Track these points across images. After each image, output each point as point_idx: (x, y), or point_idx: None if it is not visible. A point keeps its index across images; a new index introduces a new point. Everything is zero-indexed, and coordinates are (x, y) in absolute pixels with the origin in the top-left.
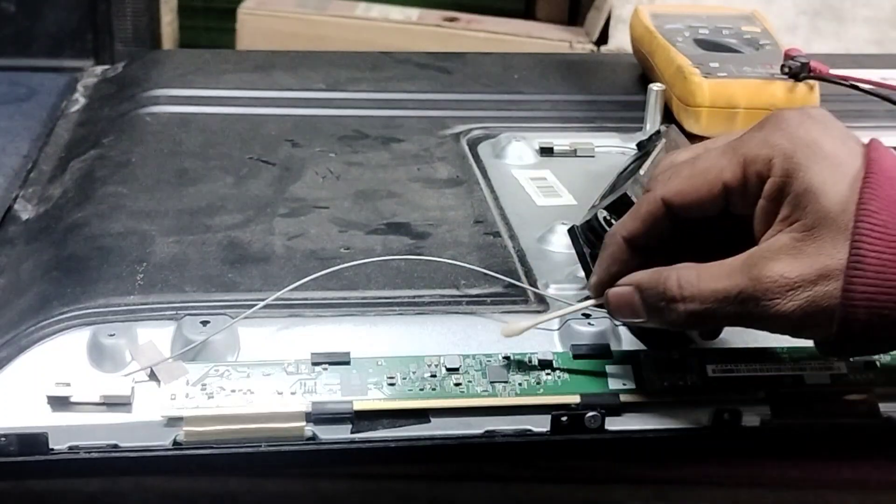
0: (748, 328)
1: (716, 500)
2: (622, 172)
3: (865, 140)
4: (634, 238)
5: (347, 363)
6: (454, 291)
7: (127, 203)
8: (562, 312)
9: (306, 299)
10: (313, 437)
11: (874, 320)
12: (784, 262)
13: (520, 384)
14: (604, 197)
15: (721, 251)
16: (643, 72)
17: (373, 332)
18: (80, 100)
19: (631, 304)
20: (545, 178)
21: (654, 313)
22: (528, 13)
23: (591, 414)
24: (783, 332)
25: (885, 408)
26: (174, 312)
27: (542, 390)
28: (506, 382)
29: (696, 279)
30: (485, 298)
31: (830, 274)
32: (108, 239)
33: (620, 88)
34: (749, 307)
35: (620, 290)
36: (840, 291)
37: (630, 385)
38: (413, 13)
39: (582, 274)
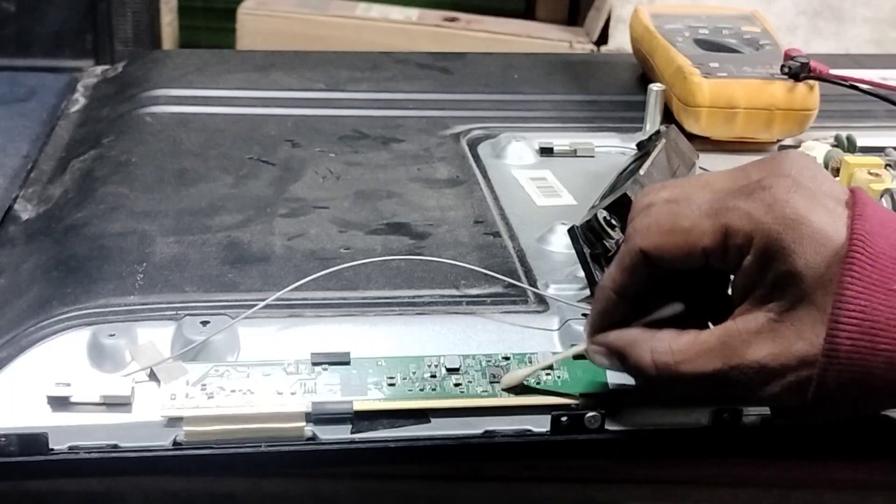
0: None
1: (716, 500)
2: (622, 172)
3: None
4: (621, 289)
5: (347, 363)
6: (454, 291)
7: (127, 203)
8: (557, 358)
9: (306, 299)
10: (313, 437)
11: (846, 399)
12: (764, 346)
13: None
14: (604, 197)
15: (708, 294)
16: (643, 72)
17: (373, 332)
18: (80, 100)
19: (610, 363)
20: (545, 178)
21: (634, 378)
22: (528, 13)
23: (591, 414)
24: (757, 406)
25: None
26: (174, 312)
27: (542, 390)
28: (528, 386)
29: (671, 361)
30: (485, 298)
31: (811, 361)
32: (108, 239)
33: (620, 88)
34: (729, 390)
35: (597, 349)
36: (816, 377)
37: (630, 385)
38: (413, 13)
39: (582, 274)
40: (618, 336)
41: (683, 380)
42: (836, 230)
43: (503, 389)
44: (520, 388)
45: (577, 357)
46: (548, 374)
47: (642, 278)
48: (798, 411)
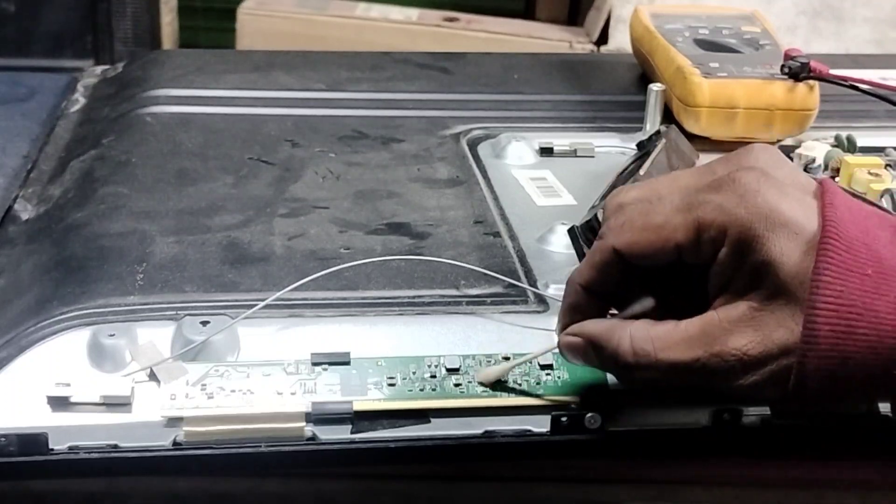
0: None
1: (716, 500)
2: (622, 172)
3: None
4: (591, 286)
5: (347, 363)
6: (454, 291)
7: (127, 203)
8: (530, 357)
9: (306, 299)
10: (313, 438)
11: (825, 387)
12: (745, 335)
13: (520, 384)
14: (604, 197)
15: (679, 290)
16: (643, 72)
17: (373, 332)
18: (80, 100)
19: (584, 355)
20: (545, 178)
21: (608, 369)
22: (528, 13)
23: (590, 414)
24: (737, 397)
25: (885, 408)
26: (174, 312)
27: (541, 391)
28: (506, 383)
29: (651, 348)
30: (485, 298)
31: (791, 349)
32: (108, 239)
33: (620, 88)
34: (709, 380)
35: (571, 340)
36: (796, 364)
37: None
38: (413, 13)
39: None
40: (594, 324)
41: (662, 368)
42: (808, 219)
43: (479, 383)
44: (497, 385)
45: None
46: (548, 375)
47: (612, 276)
48: (781, 405)
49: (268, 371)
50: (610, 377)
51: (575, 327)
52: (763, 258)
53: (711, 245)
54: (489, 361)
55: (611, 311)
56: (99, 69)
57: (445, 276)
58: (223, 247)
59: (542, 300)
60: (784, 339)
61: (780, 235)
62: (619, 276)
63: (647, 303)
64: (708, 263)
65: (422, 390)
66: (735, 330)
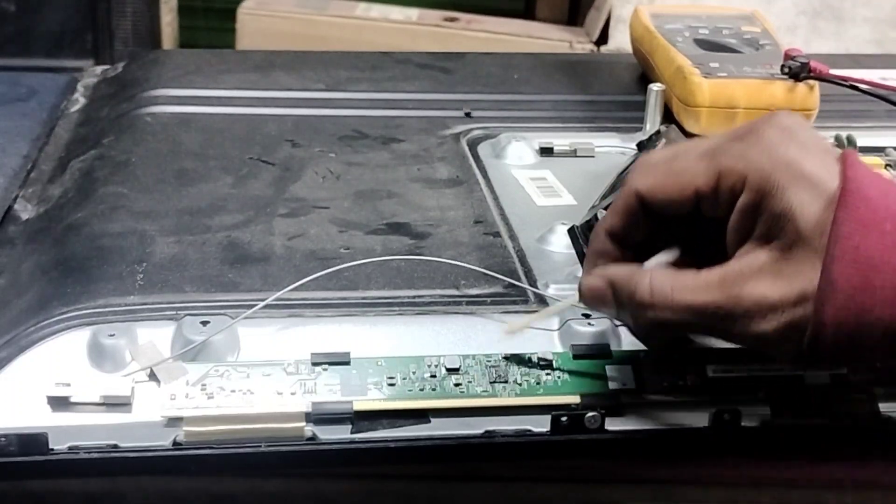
0: (714, 339)
1: (716, 500)
2: (622, 172)
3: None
4: (615, 231)
5: (347, 363)
6: (454, 291)
7: (127, 203)
8: (561, 306)
9: (306, 299)
10: (313, 437)
11: (842, 341)
12: (764, 282)
13: (520, 384)
14: (604, 197)
15: (703, 248)
16: (643, 72)
17: (373, 332)
18: (80, 100)
19: (603, 298)
20: (545, 178)
21: (624, 312)
22: (528, 13)
23: (591, 414)
24: (754, 349)
25: (885, 408)
26: (174, 312)
27: (542, 390)
28: (506, 383)
29: (669, 289)
30: (485, 298)
31: (809, 297)
32: (108, 239)
33: (620, 88)
34: (726, 324)
35: (593, 281)
36: (812, 313)
37: (630, 385)
38: (413, 13)
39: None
40: (616, 267)
41: (678, 309)
42: (829, 175)
43: (507, 333)
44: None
45: (577, 356)
46: (548, 375)
47: (635, 221)
48: (797, 364)
49: (268, 371)
50: (610, 376)
51: (597, 270)
52: (783, 207)
53: (730, 193)
54: (489, 362)
55: None
56: (99, 69)
57: (445, 276)
58: (223, 247)
59: (542, 300)
60: (802, 287)
61: (800, 186)
62: (642, 223)
63: (672, 253)
64: (725, 217)
65: (422, 390)
66: (754, 277)
